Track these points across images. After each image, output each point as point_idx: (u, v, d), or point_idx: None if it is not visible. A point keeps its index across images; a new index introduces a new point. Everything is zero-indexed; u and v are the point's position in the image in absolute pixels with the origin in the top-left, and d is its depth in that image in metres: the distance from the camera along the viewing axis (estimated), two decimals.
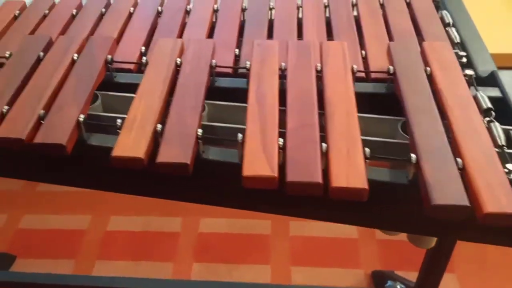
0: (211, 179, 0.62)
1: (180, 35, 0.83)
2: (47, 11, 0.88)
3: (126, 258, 1.58)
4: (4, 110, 0.62)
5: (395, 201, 0.58)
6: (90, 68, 0.68)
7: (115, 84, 0.72)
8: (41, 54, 0.71)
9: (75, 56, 0.71)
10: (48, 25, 0.84)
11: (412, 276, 1.45)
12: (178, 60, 0.70)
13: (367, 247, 1.59)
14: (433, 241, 0.80)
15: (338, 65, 0.68)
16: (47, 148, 0.58)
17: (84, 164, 0.64)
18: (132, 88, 0.69)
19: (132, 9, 0.88)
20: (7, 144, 0.58)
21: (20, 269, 1.55)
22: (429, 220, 0.54)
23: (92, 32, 0.82)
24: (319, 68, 0.68)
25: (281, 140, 0.57)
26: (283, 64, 0.69)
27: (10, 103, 0.63)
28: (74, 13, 0.87)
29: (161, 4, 0.90)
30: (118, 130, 0.60)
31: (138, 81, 0.68)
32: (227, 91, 0.72)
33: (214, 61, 0.71)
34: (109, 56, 0.71)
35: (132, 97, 0.65)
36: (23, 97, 0.64)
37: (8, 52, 0.73)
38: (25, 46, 0.73)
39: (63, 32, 0.83)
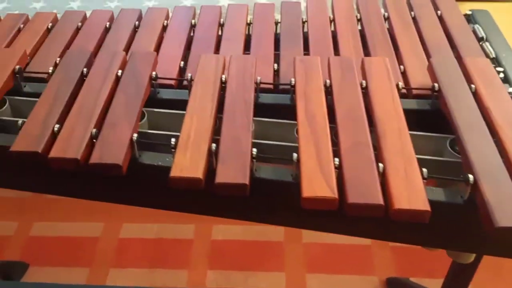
0: (264, 197, 0.62)
1: (217, 49, 0.83)
2: (80, 24, 0.87)
3: (140, 265, 1.57)
4: (56, 129, 0.61)
5: (449, 221, 0.59)
6: (136, 84, 0.68)
7: (158, 101, 0.72)
8: (85, 70, 0.71)
9: (119, 72, 0.70)
10: (83, 39, 0.83)
11: (427, 282, 1.46)
12: (223, 76, 0.70)
13: (381, 253, 1.60)
14: (472, 256, 0.80)
15: (383, 81, 0.69)
16: (103, 168, 0.58)
17: (139, 183, 0.63)
18: (174, 104, 0.69)
19: (165, 22, 0.88)
20: (61, 165, 0.58)
21: (33, 277, 1.54)
22: (480, 239, 0.55)
23: (128, 46, 0.82)
24: (364, 84, 0.69)
25: (336, 159, 0.57)
26: (327, 81, 0.69)
27: (61, 122, 0.63)
28: (107, 25, 0.87)
29: (194, 17, 0.90)
30: (172, 149, 0.59)
31: (179, 97, 0.68)
32: (267, 106, 0.72)
33: (259, 77, 0.71)
34: (154, 72, 0.71)
35: (177, 114, 0.65)
36: (73, 115, 0.63)
37: (51, 68, 0.72)
38: (68, 61, 0.72)
39: (98, 45, 0.83)
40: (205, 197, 0.59)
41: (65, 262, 1.58)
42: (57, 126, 0.62)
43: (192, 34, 0.86)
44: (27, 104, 0.70)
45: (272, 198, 0.62)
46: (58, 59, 0.77)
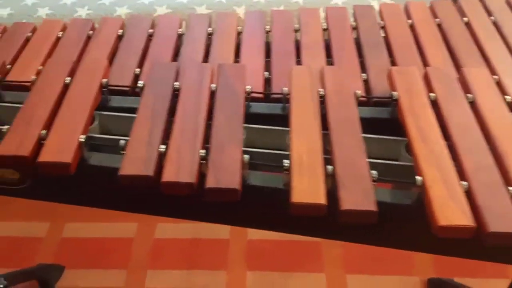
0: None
1: (297, 57, 0.80)
2: (90, 32, 0.85)
3: (178, 267, 1.55)
4: (162, 150, 0.58)
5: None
6: (232, 100, 0.65)
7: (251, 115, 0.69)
8: (176, 84, 0.68)
9: (213, 86, 0.67)
10: (97, 47, 0.81)
11: (470, 282, 1.45)
12: (321, 91, 0.67)
13: (419, 253, 1.58)
14: None
15: (490, 94, 0.66)
16: (219, 193, 0.55)
17: (248, 206, 0.61)
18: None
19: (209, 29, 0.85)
20: (174, 189, 0.55)
21: (70, 280, 1.51)
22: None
23: (174, 55, 0.79)
24: (470, 99, 0.66)
25: (464, 183, 0.55)
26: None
27: (165, 142, 0.60)
28: (120, 33, 0.85)
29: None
30: (285, 172, 0.57)
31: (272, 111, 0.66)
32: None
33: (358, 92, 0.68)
34: (249, 87, 0.68)
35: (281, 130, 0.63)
36: (177, 135, 0.60)
37: (141, 83, 0.69)
38: (156, 75, 0.69)
39: (112, 54, 0.79)
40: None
41: (101, 264, 1.55)
42: (162, 147, 0.59)
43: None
44: (114, 120, 0.67)
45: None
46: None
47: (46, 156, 0.58)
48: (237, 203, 0.56)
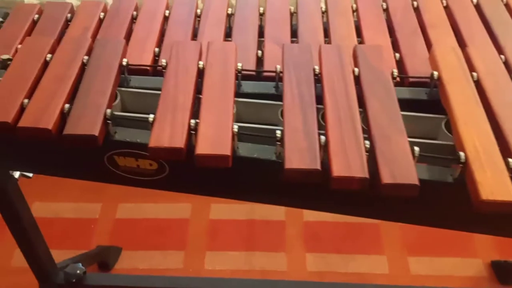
0: None
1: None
2: (134, 13, 0.83)
3: (236, 248, 1.53)
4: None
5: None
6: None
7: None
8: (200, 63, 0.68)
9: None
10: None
11: None
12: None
13: (480, 235, 1.57)
14: None
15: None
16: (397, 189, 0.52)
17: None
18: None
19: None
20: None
21: (128, 262, 1.49)
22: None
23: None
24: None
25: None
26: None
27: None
28: (167, 14, 0.83)
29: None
30: (460, 165, 0.54)
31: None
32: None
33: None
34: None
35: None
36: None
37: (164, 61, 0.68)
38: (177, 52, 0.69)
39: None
40: None
41: (158, 245, 1.53)
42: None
43: None
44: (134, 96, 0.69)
45: None
46: None
47: (74, 129, 0.60)
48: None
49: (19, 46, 0.73)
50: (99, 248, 1.45)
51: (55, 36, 0.77)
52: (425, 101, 0.67)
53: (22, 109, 0.63)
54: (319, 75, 0.66)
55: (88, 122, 0.62)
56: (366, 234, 1.58)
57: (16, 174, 0.93)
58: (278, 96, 0.65)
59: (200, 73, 0.68)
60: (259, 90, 0.69)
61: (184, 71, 0.68)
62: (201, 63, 0.69)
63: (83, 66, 0.70)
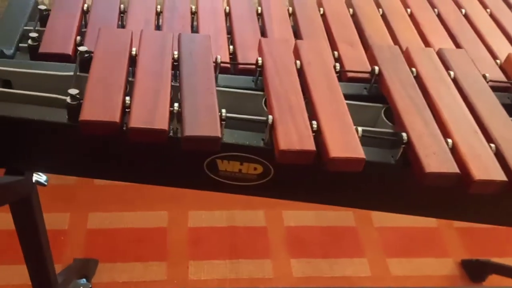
0: None
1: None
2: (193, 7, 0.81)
3: (220, 256, 1.49)
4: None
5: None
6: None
7: None
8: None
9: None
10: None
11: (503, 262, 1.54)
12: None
13: (448, 235, 1.66)
14: None
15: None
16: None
17: None
18: None
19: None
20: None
21: (108, 276, 1.40)
22: None
23: None
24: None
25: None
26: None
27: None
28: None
29: None
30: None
31: None
32: None
33: None
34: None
35: None
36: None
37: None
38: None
39: None
40: None
41: (137, 256, 1.44)
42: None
43: None
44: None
45: None
46: None
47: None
48: None
49: (79, 38, 0.67)
50: (78, 261, 1.34)
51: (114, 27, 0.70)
52: (365, 96, 0.69)
53: (124, 108, 0.57)
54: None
55: (207, 123, 0.57)
56: (346, 237, 1.60)
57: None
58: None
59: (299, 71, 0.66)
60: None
61: (283, 69, 0.65)
62: (297, 62, 0.67)
63: (174, 61, 0.64)
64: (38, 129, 0.60)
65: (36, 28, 0.72)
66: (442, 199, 0.66)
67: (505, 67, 0.73)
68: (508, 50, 0.79)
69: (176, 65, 0.64)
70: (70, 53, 0.68)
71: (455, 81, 0.69)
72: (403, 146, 0.59)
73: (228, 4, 0.82)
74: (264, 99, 0.66)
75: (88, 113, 0.55)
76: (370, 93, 0.69)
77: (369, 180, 0.63)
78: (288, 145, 0.56)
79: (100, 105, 0.56)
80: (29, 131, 0.61)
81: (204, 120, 0.57)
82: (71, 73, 0.63)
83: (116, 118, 0.55)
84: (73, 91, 0.57)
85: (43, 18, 0.73)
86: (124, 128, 0.56)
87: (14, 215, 0.83)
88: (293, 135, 0.57)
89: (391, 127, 0.65)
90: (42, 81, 0.63)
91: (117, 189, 1.60)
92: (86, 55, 0.63)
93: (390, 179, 0.63)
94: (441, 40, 0.80)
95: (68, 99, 0.57)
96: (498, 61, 0.77)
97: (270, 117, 0.59)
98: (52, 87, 0.62)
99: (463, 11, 0.89)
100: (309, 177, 0.65)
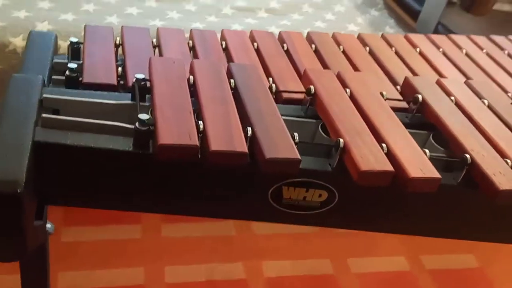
0: None
1: None
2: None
3: None
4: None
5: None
6: None
7: None
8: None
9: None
10: None
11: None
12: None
13: (423, 278, 1.68)
14: None
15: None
16: None
17: None
18: None
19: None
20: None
21: None
22: None
23: None
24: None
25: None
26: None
27: None
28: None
29: None
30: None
31: None
32: None
33: None
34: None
35: None
36: None
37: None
38: None
39: None
40: None
41: None
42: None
43: None
44: None
45: None
46: None
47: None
48: None
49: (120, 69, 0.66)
50: None
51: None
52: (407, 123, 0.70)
53: (199, 131, 0.54)
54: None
55: (285, 146, 0.55)
56: (326, 285, 1.58)
57: None
58: None
59: None
60: None
61: (337, 96, 0.66)
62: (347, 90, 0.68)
63: (231, 89, 0.63)
64: (95, 159, 0.56)
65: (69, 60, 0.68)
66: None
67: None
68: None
69: (233, 93, 0.63)
70: (115, 83, 0.65)
71: (490, 107, 0.72)
72: (466, 167, 0.61)
73: (255, 41, 0.82)
74: (320, 125, 0.65)
75: (166, 137, 0.52)
76: (412, 121, 0.70)
77: (438, 203, 0.64)
78: (367, 166, 0.56)
79: (175, 129, 0.54)
80: (83, 161, 0.56)
81: (280, 143, 0.56)
82: (128, 101, 0.60)
83: (196, 141, 0.53)
84: (144, 116, 0.54)
85: (74, 51, 0.70)
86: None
87: (23, 270, 0.75)
88: (369, 156, 0.57)
89: (442, 151, 0.66)
90: (92, 110, 0.59)
91: (87, 245, 1.50)
92: (143, 83, 0.60)
93: (453, 201, 0.64)
94: (452, 72, 0.85)
95: (137, 124, 0.54)
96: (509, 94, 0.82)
97: (341, 140, 0.58)
98: (102, 116, 0.58)
99: (464, 50, 0.95)
100: (372, 202, 0.64)
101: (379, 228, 0.69)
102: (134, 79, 0.60)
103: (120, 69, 0.67)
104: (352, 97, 0.67)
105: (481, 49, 0.98)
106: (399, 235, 1.77)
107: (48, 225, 0.73)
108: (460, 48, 0.96)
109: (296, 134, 0.58)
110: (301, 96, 0.69)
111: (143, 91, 0.61)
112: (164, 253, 1.52)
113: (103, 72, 0.65)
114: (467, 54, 0.94)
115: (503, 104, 0.74)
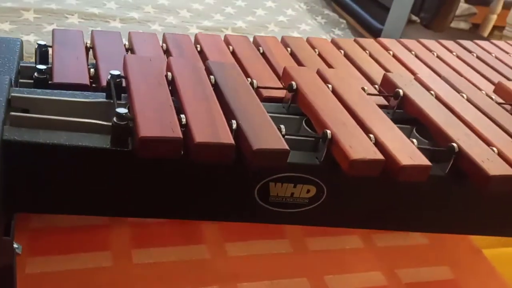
0: None
1: None
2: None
3: None
4: None
5: None
6: None
7: None
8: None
9: None
10: None
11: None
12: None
13: None
14: None
15: None
16: None
17: None
18: None
19: None
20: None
21: None
22: None
23: None
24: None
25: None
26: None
27: None
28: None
29: None
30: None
31: None
32: None
33: None
34: None
35: None
36: None
37: None
38: None
39: None
40: None
41: None
42: None
43: None
44: None
45: None
46: None
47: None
48: None
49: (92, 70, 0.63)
50: None
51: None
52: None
53: (181, 125, 0.52)
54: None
55: (272, 138, 0.53)
56: None
57: None
58: None
59: None
60: None
61: (319, 91, 0.64)
62: (329, 86, 0.66)
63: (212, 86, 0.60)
64: (69, 159, 0.52)
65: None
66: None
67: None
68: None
69: (214, 90, 0.60)
70: (88, 83, 0.62)
71: (469, 100, 0.72)
72: (454, 156, 0.60)
73: (230, 44, 0.80)
74: (304, 121, 0.64)
75: (148, 130, 0.49)
76: (393, 117, 0.69)
77: (426, 196, 0.62)
78: (358, 155, 0.54)
79: (156, 122, 0.51)
80: (56, 161, 0.52)
81: (267, 134, 0.54)
82: (103, 99, 0.57)
83: (179, 134, 0.50)
84: (122, 110, 0.51)
85: (42, 54, 0.66)
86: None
87: None
88: (358, 146, 0.55)
89: (427, 144, 0.65)
90: (63, 109, 0.56)
91: (54, 276, 1.42)
92: (118, 80, 0.57)
93: (442, 193, 0.63)
94: (426, 72, 0.85)
95: (115, 119, 0.51)
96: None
97: (329, 131, 0.57)
98: (75, 116, 0.55)
99: (435, 53, 0.96)
100: (361, 197, 0.62)
101: (369, 225, 0.67)
102: (109, 76, 0.57)
103: (92, 70, 0.64)
104: (334, 92, 0.66)
105: (451, 52, 0.99)
106: (374, 250, 1.78)
107: (16, 245, 0.68)
108: (430, 51, 0.97)
109: (282, 127, 0.56)
110: (281, 94, 0.67)
111: (118, 89, 0.57)
112: (137, 280, 1.45)
113: (74, 73, 0.62)
114: (438, 57, 0.95)
115: (481, 98, 0.74)
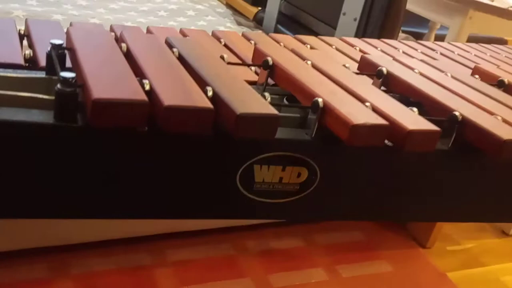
0: None
1: None
2: None
3: None
4: None
5: None
6: None
7: None
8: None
9: None
10: None
11: None
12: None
13: (341, 285, 1.57)
14: None
15: None
16: None
17: None
18: None
19: None
20: None
21: None
22: None
23: None
24: None
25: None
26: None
27: None
28: None
29: None
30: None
31: None
32: None
33: None
34: None
35: None
36: None
37: None
38: None
39: None
40: None
41: None
42: None
43: None
44: None
45: None
46: None
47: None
48: None
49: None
50: None
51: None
52: None
53: (146, 91, 0.41)
54: None
55: (258, 103, 0.44)
56: None
57: None
58: None
59: None
60: None
61: (296, 64, 0.56)
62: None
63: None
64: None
65: None
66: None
67: None
68: None
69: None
70: (23, 62, 0.51)
71: (454, 77, 0.67)
72: (457, 126, 0.53)
73: (186, 34, 0.71)
74: (285, 98, 0.55)
75: (102, 91, 0.39)
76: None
77: (429, 175, 0.54)
78: (358, 120, 0.45)
79: (113, 85, 0.40)
80: None
81: (250, 100, 0.44)
82: (42, 75, 0.46)
83: (143, 96, 0.40)
84: (68, 74, 0.40)
85: None
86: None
87: None
88: (356, 113, 0.47)
89: None
90: None
91: None
92: (60, 51, 0.47)
93: (447, 170, 0.55)
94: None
95: (59, 85, 0.40)
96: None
97: (320, 99, 0.48)
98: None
99: (400, 50, 0.91)
100: (360, 182, 0.53)
101: (367, 215, 0.57)
102: (50, 46, 0.46)
103: (27, 52, 0.53)
104: (315, 67, 0.58)
105: (415, 49, 0.95)
106: (315, 249, 1.69)
107: None
108: (396, 48, 0.92)
109: (267, 94, 0.47)
110: (254, 78, 0.59)
111: (61, 64, 0.47)
112: None
113: (6, 53, 0.51)
114: (404, 52, 0.90)
115: (465, 75, 0.68)
